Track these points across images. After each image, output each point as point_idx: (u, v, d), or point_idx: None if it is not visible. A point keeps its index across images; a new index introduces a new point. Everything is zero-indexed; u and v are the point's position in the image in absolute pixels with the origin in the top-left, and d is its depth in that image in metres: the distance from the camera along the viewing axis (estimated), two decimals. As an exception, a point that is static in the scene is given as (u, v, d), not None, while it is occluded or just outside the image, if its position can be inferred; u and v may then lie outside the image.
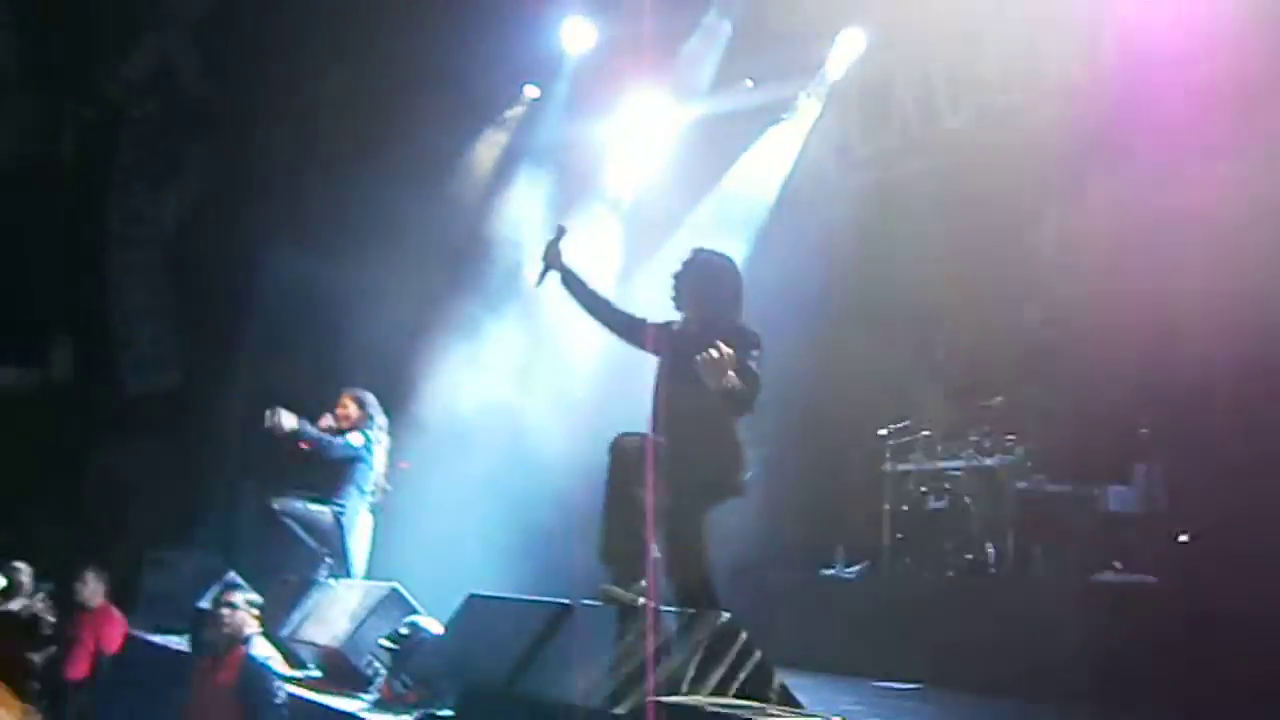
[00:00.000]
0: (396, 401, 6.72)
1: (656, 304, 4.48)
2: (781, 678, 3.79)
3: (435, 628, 4.90)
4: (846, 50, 7.97)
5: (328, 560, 6.06)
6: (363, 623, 5.19)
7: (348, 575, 6.05)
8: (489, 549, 6.99)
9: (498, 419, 7.45)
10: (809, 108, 8.18)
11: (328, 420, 6.18)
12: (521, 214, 8.03)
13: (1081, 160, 6.82)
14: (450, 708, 4.34)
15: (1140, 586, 5.53)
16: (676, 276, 4.34)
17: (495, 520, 7.09)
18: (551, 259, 4.49)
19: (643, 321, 4.46)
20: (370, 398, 6.31)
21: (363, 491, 6.18)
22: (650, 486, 3.96)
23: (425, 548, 6.69)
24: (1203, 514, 5.67)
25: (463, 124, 8.43)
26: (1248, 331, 5.79)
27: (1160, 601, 5.40)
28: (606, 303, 4.53)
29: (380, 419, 6.29)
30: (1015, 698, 5.16)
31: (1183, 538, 5.73)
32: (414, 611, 5.18)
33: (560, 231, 4.56)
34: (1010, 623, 5.61)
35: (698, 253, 4.39)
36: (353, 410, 6.21)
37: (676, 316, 4.37)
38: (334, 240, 8.16)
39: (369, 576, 6.06)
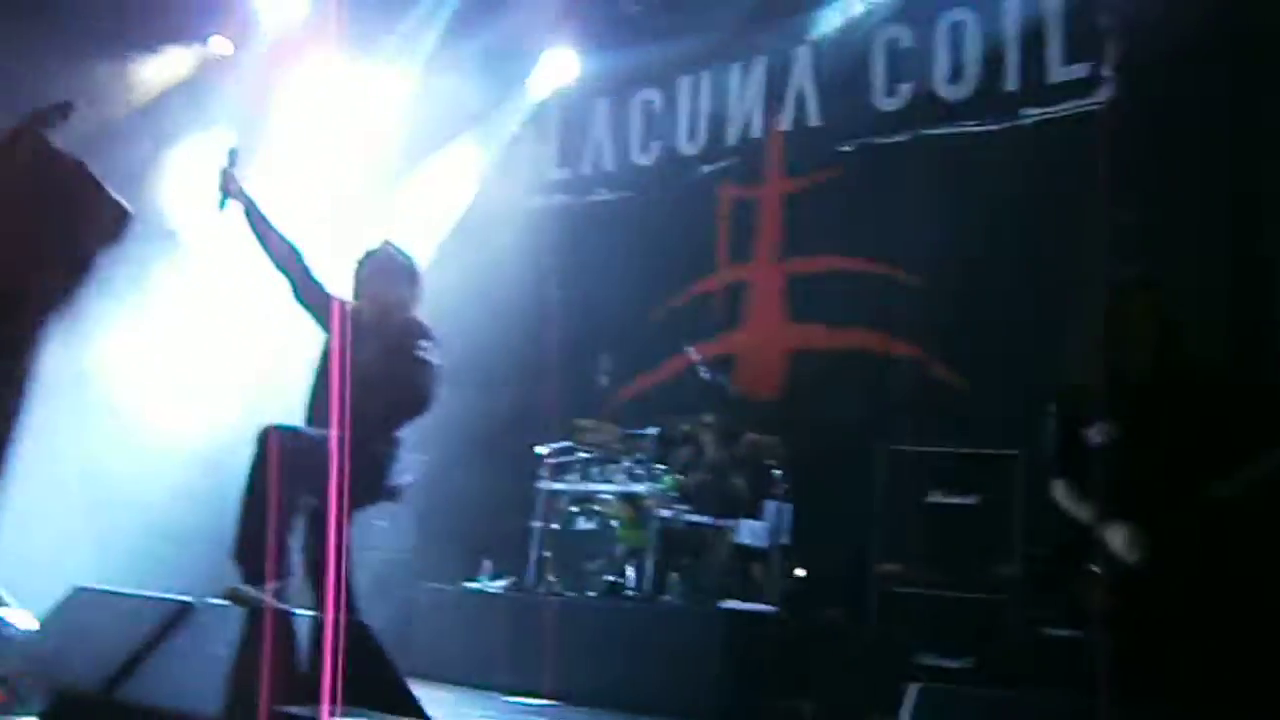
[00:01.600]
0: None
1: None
2: (415, 689, 3.72)
3: (27, 622, 4.37)
4: (556, 70, 8.13)
5: None
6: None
7: None
8: (103, 540, 6.34)
9: (110, 393, 6.74)
10: (511, 118, 8.25)
11: None
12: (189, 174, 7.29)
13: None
14: (37, 714, 3.87)
15: (761, 614, 5.96)
16: (360, 264, 4.32)
17: (107, 509, 6.43)
18: (229, 186, 4.21)
19: (327, 292, 4.31)
20: None
21: None
22: (292, 483, 3.77)
23: (24, 533, 5.96)
24: (819, 551, 6.25)
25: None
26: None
27: (774, 628, 5.86)
28: (294, 252, 4.31)
29: None
30: (644, 715, 5.38)
31: (799, 571, 6.26)
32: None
33: (233, 155, 4.27)
34: (646, 644, 5.85)
35: (385, 245, 4.41)
36: None
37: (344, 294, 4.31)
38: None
39: None
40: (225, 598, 3.72)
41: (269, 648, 3.28)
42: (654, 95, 8.11)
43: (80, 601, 4.18)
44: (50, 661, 3.97)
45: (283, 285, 4.35)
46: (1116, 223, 4.99)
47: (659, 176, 7.98)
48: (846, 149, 7.14)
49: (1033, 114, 6.42)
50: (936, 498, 5.75)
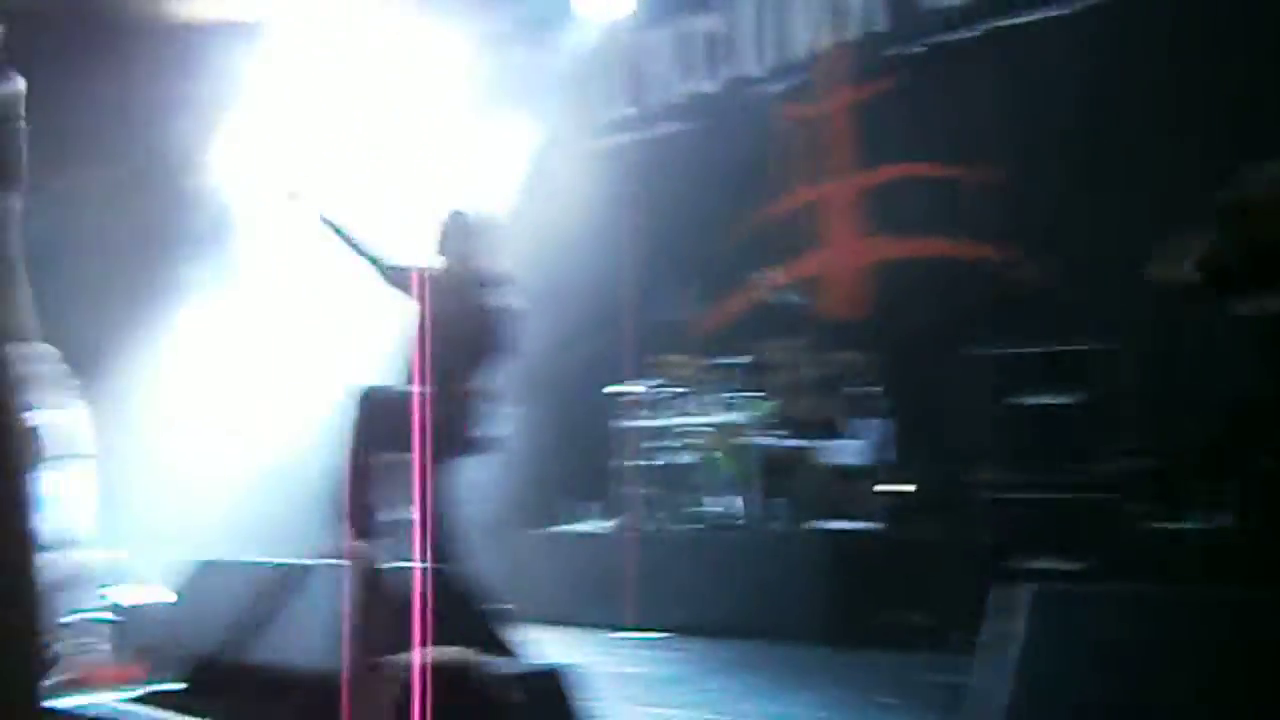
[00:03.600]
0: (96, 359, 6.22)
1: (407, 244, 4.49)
2: (532, 633, 3.83)
3: (163, 596, 4.62)
4: (609, 7, 8.02)
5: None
6: (75, 595, 4.80)
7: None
8: (228, 513, 6.63)
9: (212, 370, 7.00)
10: (569, 60, 8.19)
11: None
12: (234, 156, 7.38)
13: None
14: (178, 681, 4.11)
15: (866, 532, 5.95)
16: (439, 225, 4.43)
17: (231, 483, 6.71)
18: (304, 212, 4.37)
19: (404, 267, 4.43)
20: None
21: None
22: (390, 440, 3.89)
23: (156, 513, 6.28)
24: (921, 464, 6.18)
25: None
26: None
27: (880, 545, 5.83)
28: (367, 240, 4.43)
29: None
30: (752, 640, 5.44)
31: (904, 487, 6.21)
32: (134, 581, 4.85)
33: (295, 196, 4.42)
34: (755, 571, 5.91)
35: (460, 204, 4.53)
36: None
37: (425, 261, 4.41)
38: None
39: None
40: (335, 553, 3.87)
41: (381, 601, 3.40)
42: (715, 21, 7.96)
43: (206, 573, 4.41)
44: (183, 630, 4.19)
45: (370, 272, 4.49)
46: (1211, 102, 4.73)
47: (726, 103, 7.85)
48: (912, 52, 6.92)
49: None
50: (1033, 399, 5.62)
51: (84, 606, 4.59)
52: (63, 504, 5.68)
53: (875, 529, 5.99)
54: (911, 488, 6.20)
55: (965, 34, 6.69)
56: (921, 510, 6.07)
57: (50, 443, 5.65)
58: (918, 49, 6.90)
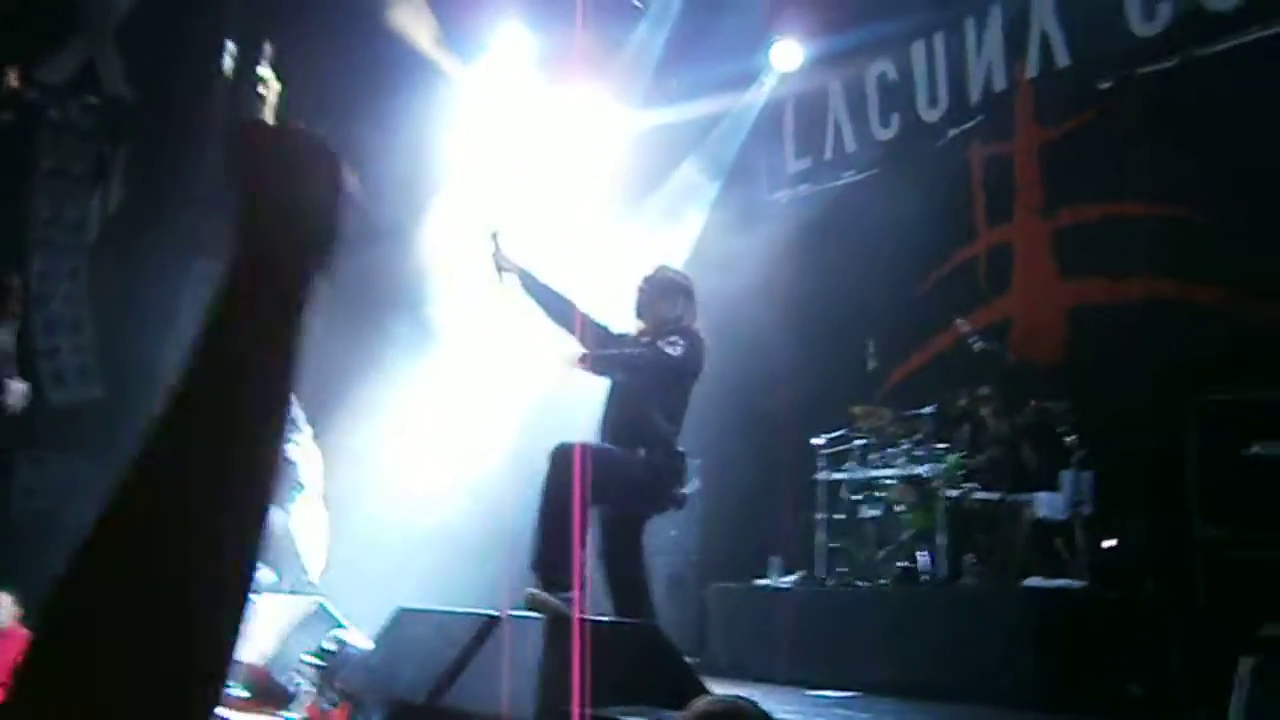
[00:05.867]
0: (323, 409, 6.58)
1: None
2: (714, 688, 3.76)
3: (363, 642, 4.79)
4: (782, 62, 8.06)
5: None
6: (288, 638, 5.06)
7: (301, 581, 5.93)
8: (422, 562, 6.86)
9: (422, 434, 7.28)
10: (742, 119, 8.25)
11: None
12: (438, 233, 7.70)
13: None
14: (378, 723, 4.24)
15: (1070, 590, 5.60)
16: (640, 290, 4.57)
17: (426, 534, 6.95)
18: (501, 261, 4.49)
19: (610, 331, 4.55)
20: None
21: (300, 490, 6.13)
22: (587, 495, 3.93)
23: (353, 561, 6.56)
24: (1127, 518, 5.79)
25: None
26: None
27: (1087, 605, 5.48)
28: (571, 305, 4.55)
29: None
30: (950, 703, 5.19)
31: (1108, 543, 5.83)
32: (340, 626, 5.07)
33: (495, 238, 4.53)
34: (946, 629, 5.65)
35: (660, 269, 4.69)
36: None
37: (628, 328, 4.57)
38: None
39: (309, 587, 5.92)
40: (526, 604, 3.93)
41: (572, 652, 3.42)
42: (887, 67, 7.86)
43: (404, 621, 4.55)
44: (383, 676, 4.33)
45: (565, 338, 4.57)
46: None
47: (903, 149, 7.72)
48: (1105, 86, 6.62)
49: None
50: (1262, 450, 5.16)
51: (310, 647, 4.83)
52: (298, 542, 6.04)
53: (1079, 588, 5.63)
54: (1111, 543, 5.82)
55: (1163, 64, 6.36)
56: (1132, 569, 5.68)
57: (289, 479, 6.05)
58: (1110, 82, 6.60)
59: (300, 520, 6.09)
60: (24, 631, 6.68)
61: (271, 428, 0.75)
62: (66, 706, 0.63)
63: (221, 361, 0.75)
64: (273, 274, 0.78)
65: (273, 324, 0.77)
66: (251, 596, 0.72)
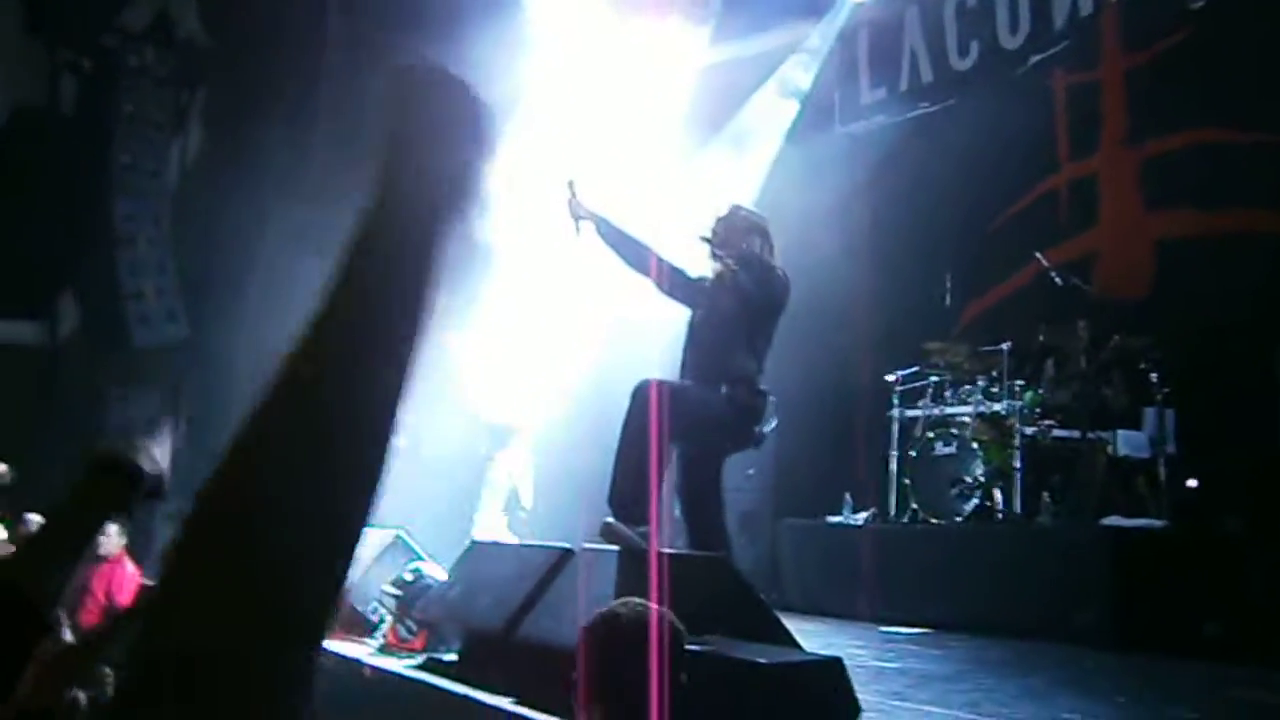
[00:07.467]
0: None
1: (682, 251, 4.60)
2: (786, 623, 3.78)
3: (440, 574, 4.90)
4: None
5: None
6: (368, 569, 5.19)
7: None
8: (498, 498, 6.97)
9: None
10: (814, 51, 8.07)
11: None
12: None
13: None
14: (454, 652, 4.35)
15: (1150, 530, 5.50)
16: (714, 230, 4.52)
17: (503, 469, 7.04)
18: (578, 212, 4.48)
19: (688, 276, 4.53)
20: None
21: None
22: (666, 432, 3.95)
23: (430, 495, 6.69)
24: (1212, 457, 5.65)
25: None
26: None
27: (1167, 543, 5.38)
28: (649, 251, 4.53)
29: None
30: (1023, 641, 5.15)
31: (1191, 482, 5.69)
32: (418, 558, 5.18)
33: (572, 186, 4.51)
34: (1018, 568, 5.59)
35: (734, 209, 4.62)
36: None
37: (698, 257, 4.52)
38: (340, 194, 8.02)
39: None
40: (601, 535, 3.97)
41: (647, 585, 3.45)
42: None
43: (478, 553, 4.64)
44: (459, 607, 4.43)
45: (645, 284, 4.57)
46: None
47: (983, 77, 7.48)
48: (1197, 5, 6.32)
49: None
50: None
51: (389, 578, 4.96)
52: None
53: (1160, 526, 5.53)
54: (1194, 483, 5.69)
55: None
56: (1215, 507, 5.54)
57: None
58: (1202, 2, 6.30)
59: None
60: (128, 561, 6.98)
61: (404, 354, 0.77)
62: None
63: (361, 284, 0.78)
64: (411, 217, 0.80)
65: (409, 260, 0.79)
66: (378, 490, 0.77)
